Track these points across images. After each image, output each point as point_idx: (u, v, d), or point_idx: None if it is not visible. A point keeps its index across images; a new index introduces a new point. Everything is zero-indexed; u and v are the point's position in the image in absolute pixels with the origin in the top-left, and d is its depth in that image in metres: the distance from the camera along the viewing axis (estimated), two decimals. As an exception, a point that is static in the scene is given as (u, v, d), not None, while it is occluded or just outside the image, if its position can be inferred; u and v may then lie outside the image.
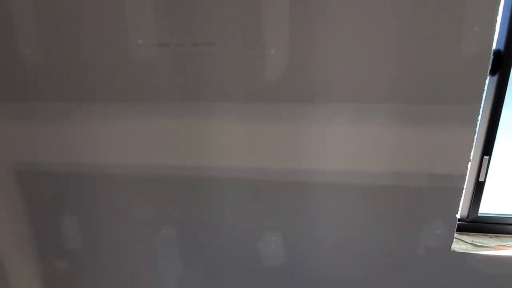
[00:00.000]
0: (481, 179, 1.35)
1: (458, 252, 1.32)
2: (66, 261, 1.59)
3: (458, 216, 1.27)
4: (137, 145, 1.33)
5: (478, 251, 1.31)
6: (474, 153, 1.34)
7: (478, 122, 1.17)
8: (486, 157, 1.32)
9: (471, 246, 1.34)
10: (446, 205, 1.26)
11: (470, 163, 1.22)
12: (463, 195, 1.26)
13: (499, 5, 1.02)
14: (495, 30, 1.05)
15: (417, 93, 1.15)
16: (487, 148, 1.31)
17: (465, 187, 1.25)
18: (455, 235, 1.34)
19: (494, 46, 1.21)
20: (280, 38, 1.13)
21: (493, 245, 1.33)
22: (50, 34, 1.23)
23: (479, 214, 1.41)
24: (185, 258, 1.49)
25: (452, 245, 1.31)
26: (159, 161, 1.34)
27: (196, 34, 1.15)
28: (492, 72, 1.24)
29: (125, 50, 1.19)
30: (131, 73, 1.22)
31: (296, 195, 1.32)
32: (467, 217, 1.42)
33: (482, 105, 1.18)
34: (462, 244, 1.35)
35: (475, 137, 1.18)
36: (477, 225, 1.42)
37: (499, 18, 1.05)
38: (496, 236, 1.40)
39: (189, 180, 1.35)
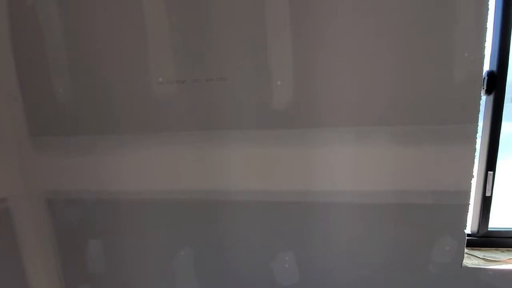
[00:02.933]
0: (487, 194, 1.39)
1: (470, 267, 1.33)
2: (89, 285, 1.67)
3: (467, 231, 1.30)
4: (157, 172, 1.43)
5: (490, 265, 1.32)
6: (479, 169, 1.39)
7: (479, 140, 1.23)
8: (490, 173, 1.36)
9: (482, 261, 1.35)
10: (454, 221, 1.29)
11: (474, 179, 1.26)
12: (470, 210, 1.29)
13: (485, 33, 1.11)
14: (484, 56, 1.13)
15: (417, 115, 1.22)
16: (490, 164, 1.36)
17: (471, 202, 1.28)
18: (466, 250, 1.37)
19: (487, 68, 1.30)
20: (285, 70, 1.25)
21: (504, 259, 1.34)
22: (80, 75, 1.39)
23: (489, 229, 1.43)
24: (202, 278, 1.55)
25: (464, 261, 1.33)
26: (177, 186, 1.43)
27: (210, 71, 1.28)
28: (488, 92, 1.31)
29: (147, 87, 1.34)
30: (152, 108, 1.36)
31: (307, 215, 1.38)
32: (477, 232, 1.44)
33: (481, 123, 1.24)
34: (474, 259, 1.37)
35: (476, 154, 1.24)
36: (488, 239, 1.43)
37: (489, 43, 1.14)
38: (508, 250, 1.41)
39: (205, 204, 1.43)
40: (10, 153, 1.51)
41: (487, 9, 1.10)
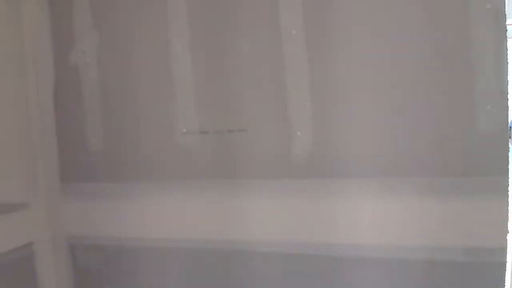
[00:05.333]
0: (527, 251, 1.28)
1: (515, 335, 1.20)
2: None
3: (507, 293, 1.19)
4: (177, 220, 1.45)
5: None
6: (514, 223, 1.30)
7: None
8: (528, 227, 1.27)
9: (529, 328, 1.21)
10: (490, 281, 1.19)
11: (511, 234, 1.18)
12: (508, 269, 1.19)
13: (507, 86, 1.11)
14: (508, 107, 1.11)
15: (443, 167, 1.19)
16: (528, 218, 1.27)
17: (510, 260, 1.19)
18: (509, 315, 1.24)
19: (512, 118, 1.27)
20: (305, 121, 1.28)
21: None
22: (111, 127, 1.49)
23: (533, 291, 1.30)
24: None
25: (507, 327, 1.20)
26: (197, 235, 1.43)
27: (231, 122, 1.34)
28: (517, 142, 1.27)
29: (171, 138, 1.41)
30: (176, 156, 1.42)
31: (329, 269, 1.32)
32: (520, 293, 1.31)
33: (513, 175, 1.18)
34: (518, 326, 1.23)
35: (511, 207, 1.17)
36: (533, 303, 1.29)
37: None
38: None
39: (225, 253, 1.41)
40: (41, 199, 1.59)
41: (507, 63, 1.11)
